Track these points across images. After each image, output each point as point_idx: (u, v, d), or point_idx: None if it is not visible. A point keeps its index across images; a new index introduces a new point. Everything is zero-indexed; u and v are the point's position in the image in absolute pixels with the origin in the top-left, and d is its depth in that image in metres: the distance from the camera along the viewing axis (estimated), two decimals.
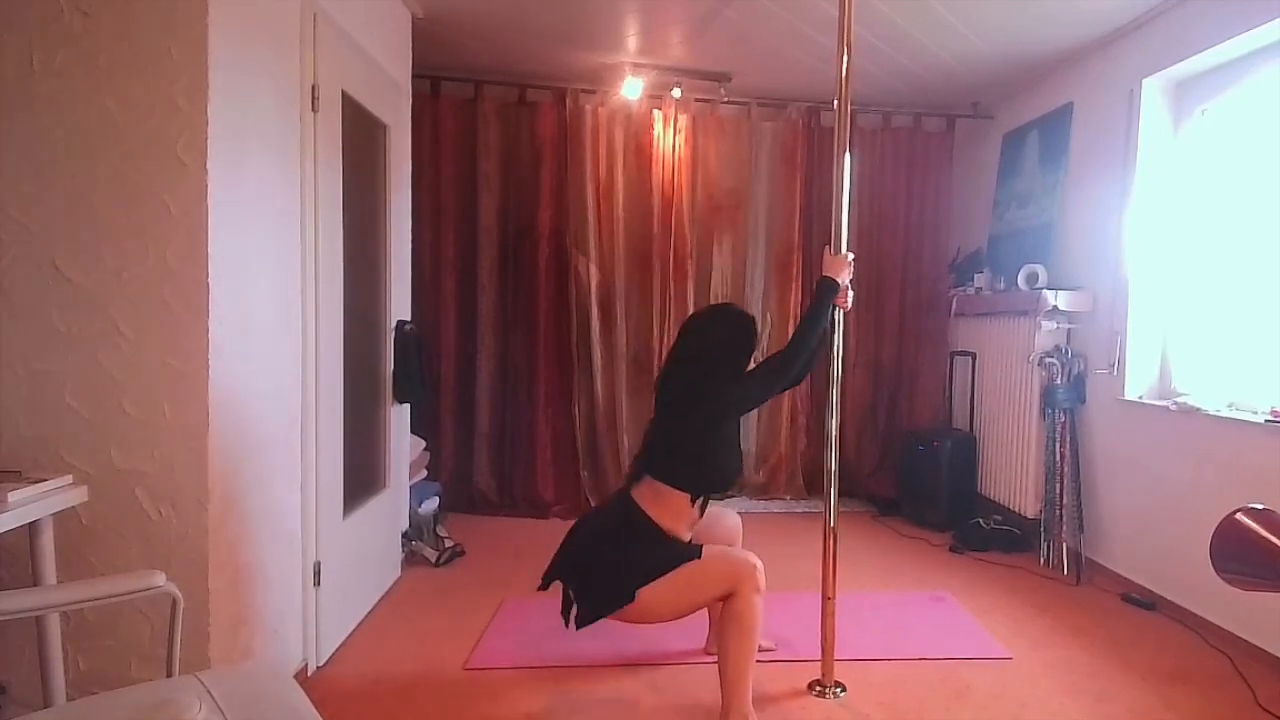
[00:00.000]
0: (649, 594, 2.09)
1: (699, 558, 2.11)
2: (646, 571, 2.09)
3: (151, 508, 1.89)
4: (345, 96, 2.67)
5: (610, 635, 2.77)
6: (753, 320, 2.34)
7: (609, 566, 2.15)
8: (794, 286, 4.61)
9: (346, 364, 2.69)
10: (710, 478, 2.24)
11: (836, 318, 2.42)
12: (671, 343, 2.41)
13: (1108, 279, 3.50)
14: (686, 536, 2.24)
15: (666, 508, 2.19)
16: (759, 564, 2.12)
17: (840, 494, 2.50)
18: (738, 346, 2.28)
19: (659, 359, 4.48)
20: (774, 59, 3.96)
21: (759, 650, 2.52)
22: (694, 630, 2.72)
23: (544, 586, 2.25)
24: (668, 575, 2.09)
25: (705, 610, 2.59)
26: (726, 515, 2.55)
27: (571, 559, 2.25)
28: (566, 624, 2.19)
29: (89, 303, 1.86)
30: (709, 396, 2.19)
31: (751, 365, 2.32)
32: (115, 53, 1.83)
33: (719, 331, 2.28)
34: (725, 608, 2.14)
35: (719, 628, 2.17)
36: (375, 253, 3.18)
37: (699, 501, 2.23)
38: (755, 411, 4.67)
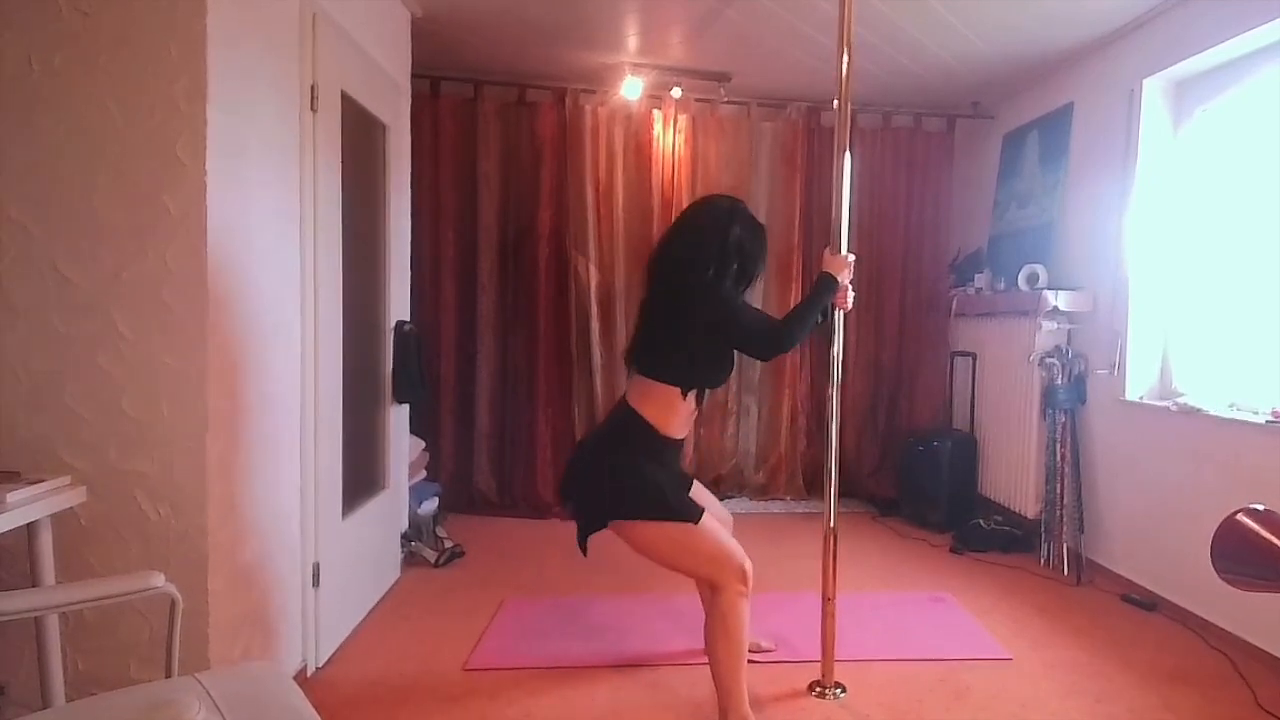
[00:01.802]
0: (640, 530, 2.08)
1: (695, 522, 2.07)
2: (641, 503, 2.07)
3: (150, 508, 1.89)
4: (345, 96, 2.66)
5: (610, 635, 2.77)
6: (764, 230, 2.22)
7: (600, 481, 2.12)
8: (794, 287, 4.61)
9: (346, 364, 2.69)
10: (700, 375, 2.14)
11: (837, 319, 2.41)
12: (672, 225, 2.28)
13: (1108, 279, 3.50)
14: (683, 434, 2.19)
15: (659, 404, 2.11)
16: (749, 567, 2.09)
17: (840, 494, 2.50)
18: (746, 254, 2.15)
19: None
20: (774, 59, 3.95)
21: (760, 651, 2.52)
22: (694, 631, 2.72)
23: (562, 502, 2.23)
24: (660, 523, 2.06)
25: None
26: (718, 506, 2.49)
27: (571, 476, 2.24)
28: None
29: (88, 303, 1.85)
30: (702, 300, 2.08)
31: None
32: (115, 53, 1.83)
33: (735, 231, 2.13)
34: (711, 608, 2.11)
35: (706, 631, 2.15)
36: (375, 253, 3.18)
37: (691, 395, 2.13)
38: (756, 412, 4.68)
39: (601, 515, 2.12)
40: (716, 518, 2.33)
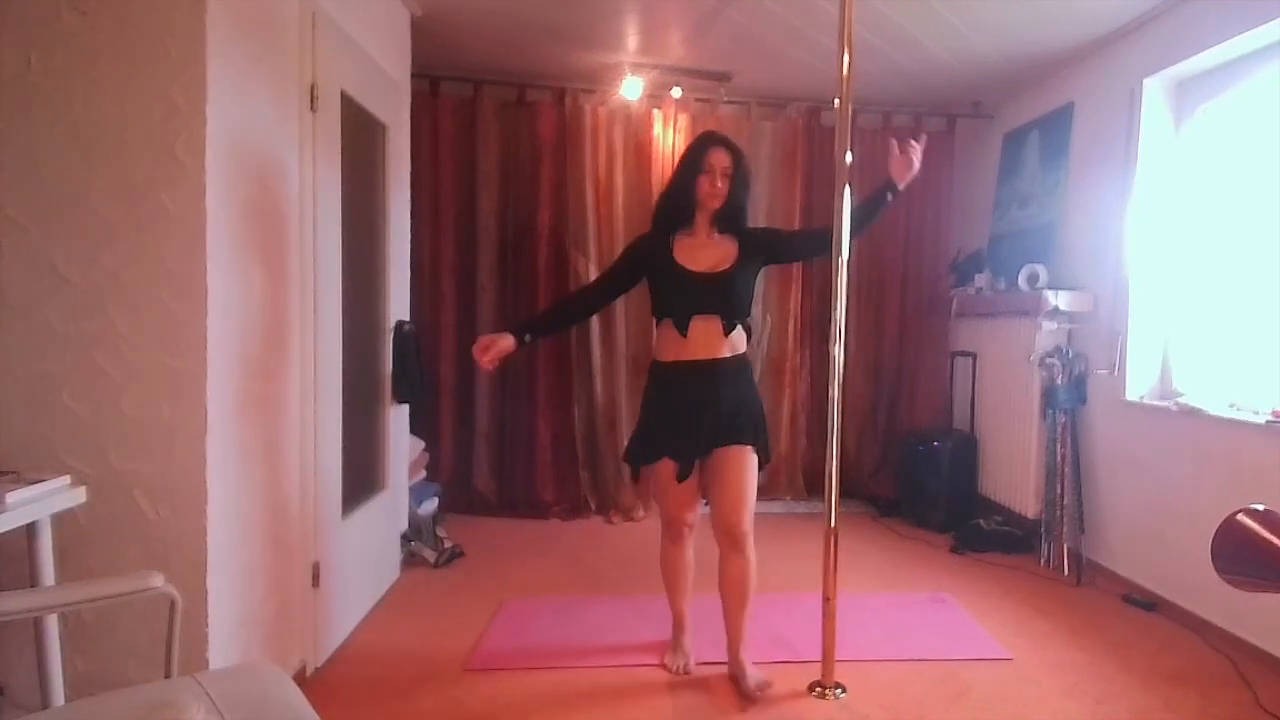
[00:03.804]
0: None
1: (634, 472, 2.55)
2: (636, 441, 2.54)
3: (150, 508, 1.89)
4: (344, 96, 2.66)
5: (610, 635, 2.77)
6: (694, 149, 2.45)
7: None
8: (794, 287, 4.60)
9: (345, 364, 2.69)
10: (656, 304, 2.46)
11: (839, 321, 2.40)
12: None
13: (1109, 279, 3.49)
14: (670, 357, 2.42)
15: (658, 336, 2.48)
16: (679, 528, 2.47)
17: (841, 495, 2.49)
18: (672, 196, 2.49)
19: None
20: (774, 59, 3.95)
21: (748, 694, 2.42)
22: (694, 632, 2.71)
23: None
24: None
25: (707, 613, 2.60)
26: (729, 482, 2.42)
27: None
28: None
29: (87, 303, 1.85)
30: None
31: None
32: (113, 52, 1.82)
33: (671, 182, 2.54)
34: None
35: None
36: (374, 253, 3.18)
37: (667, 322, 2.41)
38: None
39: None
40: (720, 491, 2.41)
